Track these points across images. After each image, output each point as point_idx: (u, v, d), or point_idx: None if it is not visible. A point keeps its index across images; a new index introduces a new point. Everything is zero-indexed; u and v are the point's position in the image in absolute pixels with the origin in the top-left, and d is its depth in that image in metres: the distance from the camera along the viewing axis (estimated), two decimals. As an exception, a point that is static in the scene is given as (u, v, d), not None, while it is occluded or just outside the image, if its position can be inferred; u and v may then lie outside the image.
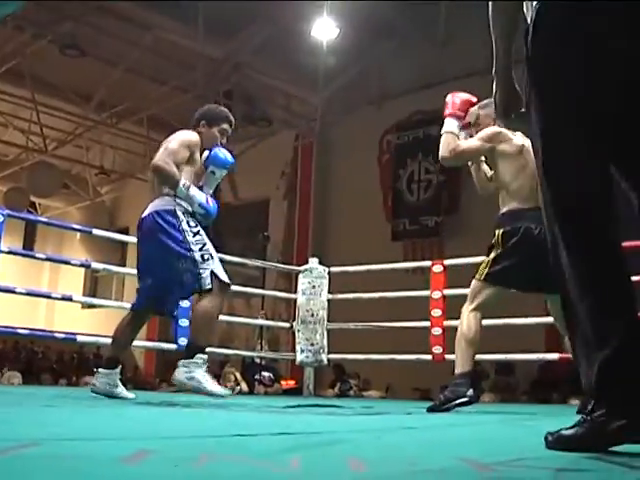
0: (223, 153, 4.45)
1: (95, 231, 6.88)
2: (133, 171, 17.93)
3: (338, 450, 1.70)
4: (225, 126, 4.55)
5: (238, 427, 2.40)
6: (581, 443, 1.70)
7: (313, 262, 7.62)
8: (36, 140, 16.60)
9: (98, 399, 4.07)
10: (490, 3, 2.02)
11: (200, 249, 4.09)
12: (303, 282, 7.45)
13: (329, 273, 7.53)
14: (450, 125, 4.16)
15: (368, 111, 14.65)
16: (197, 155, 4.37)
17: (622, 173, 1.89)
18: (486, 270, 4.01)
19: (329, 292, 7.50)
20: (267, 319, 10.29)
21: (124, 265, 17.13)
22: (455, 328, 6.81)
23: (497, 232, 4.02)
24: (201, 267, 4.05)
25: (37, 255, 8.34)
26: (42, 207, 20.68)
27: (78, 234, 16.86)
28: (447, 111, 4.25)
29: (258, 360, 10.06)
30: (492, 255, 4.00)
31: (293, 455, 1.53)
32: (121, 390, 4.37)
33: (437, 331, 6.93)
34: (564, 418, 2.73)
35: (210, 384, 3.93)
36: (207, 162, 4.43)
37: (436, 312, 6.86)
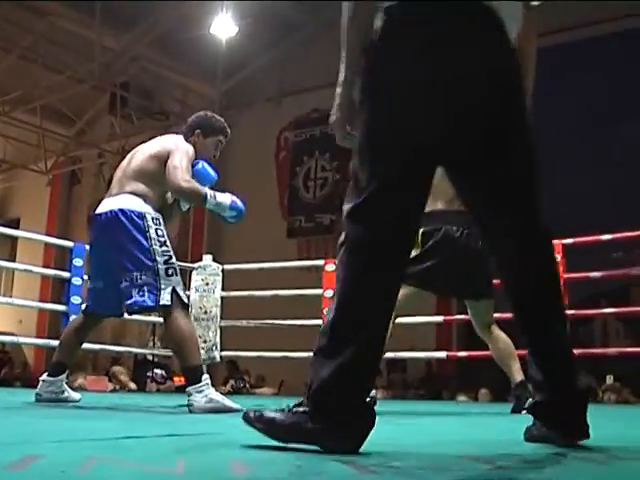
0: (207, 167, 4.08)
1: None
2: (25, 161, 17.50)
3: (223, 453, 1.75)
4: (221, 138, 4.23)
5: (127, 429, 2.42)
6: (276, 429, 1.81)
7: (207, 259, 7.62)
8: None
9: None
10: (346, 13, 1.92)
11: (165, 262, 3.72)
12: (196, 279, 7.44)
13: (223, 270, 7.54)
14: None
15: (266, 107, 14.69)
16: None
17: (463, 192, 2.00)
18: None
19: (223, 289, 7.51)
20: (159, 316, 10.22)
21: (14, 259, 16.78)
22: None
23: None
24: (163, 282, 3.69)
25: None
26: None
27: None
28: None
29: (150, 357, 10.00)
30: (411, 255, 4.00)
31: (179, 458, 1.58)
32: (68, 394, 4.12)
33: (329, 329, 7.04)
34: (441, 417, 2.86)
35: (227, 400, 3.67)
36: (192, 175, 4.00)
37: (328, 311, 6.96)
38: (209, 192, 3.81)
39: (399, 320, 6.79)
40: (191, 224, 15.39)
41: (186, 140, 4.06)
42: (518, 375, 4.07)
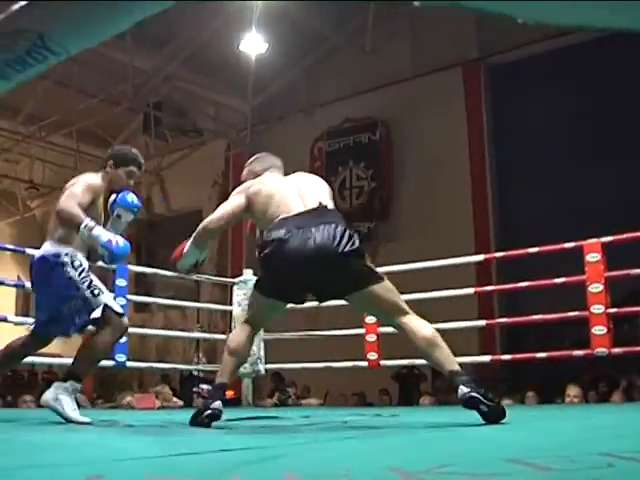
0: (131, 196, 4.39)
1: (28, 250, 6.82)
2: (63, 184, 17.62)
3: (275, 465, 1.78)
4: (133, 168, 4.47)
5: (180, 446, 2.46)
6: None
7: (247, 273, 7.69)
8: (-37, 156, 16.38)
9: (40, 421, 4.07)
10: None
11: (88, 286, 4.09)
12: (238, 294, 7.51)
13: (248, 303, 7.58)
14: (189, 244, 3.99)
15: (298, 119, 14.77)
16: (98, 201, 4.34)
17: None
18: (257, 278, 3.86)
19: (265, 303, 7.55)
20: (203, 331, 10.30)
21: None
22: (389, 334, 7.00)
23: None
24: (94, 303, 4.06)
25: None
26: (-30, 222, 20.35)
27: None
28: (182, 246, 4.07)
29: (196, 373, 10.07)
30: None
31: (233, 474, 1.61)
32: None
33: (372, 338, 7.06)
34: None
35: (70, 411, 3.92)
36: (113, 205, 4.37)
37: (370, 319, 6.98)
38: (88, 223, 3.99)
39: (441, 326, 6.83)
40: (230, 240, 15.49)
41: (102, 171, 4.41)
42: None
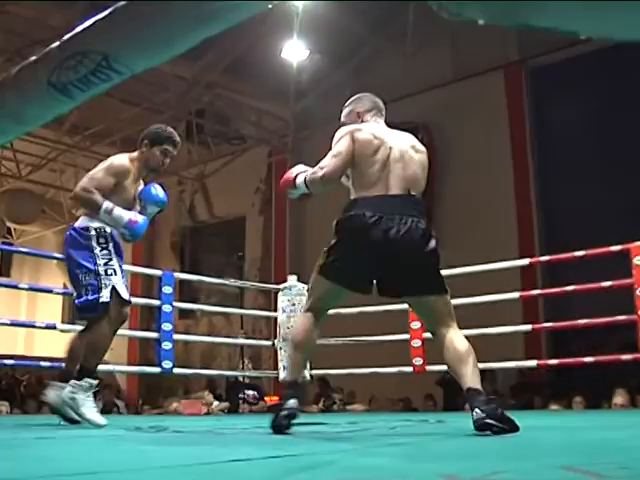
0: (155, 190, 4.53)
1: (76, 259, 6.91)
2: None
3: (325, 472, 1.79)
4: (167, 146, 4.58)
5: (231, 452, 2.48)
6: None
7: (292, 280, 7.71)
8: (9, 165, 16.61)
9: (86, 427, 4.12)
10: None
11: (105, 263, 4.25)
12: (283, 300, 7.53)
13: (308, 290, 7.60)
14: (301, 176, 3.73)
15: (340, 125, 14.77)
16: (126, 182, 4.45)
17: None
18: (321, 261, 3.65)
19: (309, 309, 7.58)
20: (247, 337, 10.34)
21: (103, 289, 17.14)
22: (433, 340, 6.97)
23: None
24: (103, 281, 4.21)
25: (19, 285, 8.35)
26: (18, 232, 20.61)
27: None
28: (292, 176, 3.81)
29: (241, 378, 10.12)
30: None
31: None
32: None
33: (417, 343, 7.05)
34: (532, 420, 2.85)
35: (88, 411, 4.01)
36: (140, 196, 4.53)
37: (415, 324, 6.97)
38: (107, 205, 4.27)
39: (486, 331, 6.80)
40: (273, 246, 15.55)
41: (138, 151, 4.57)
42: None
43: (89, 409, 4.05)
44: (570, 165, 12.11)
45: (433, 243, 3.43)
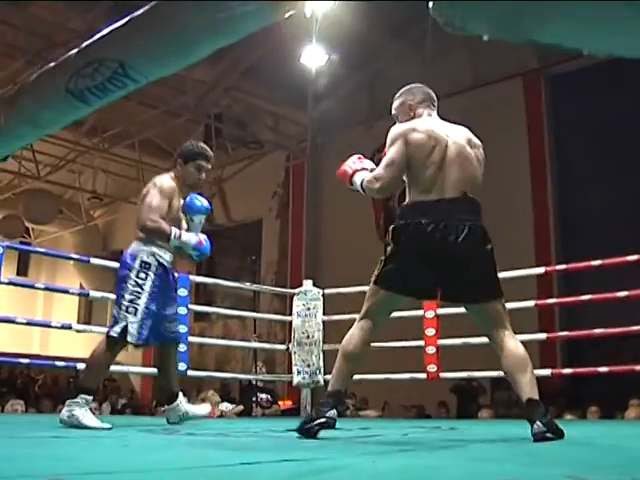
0: (196, 200, 4.56)
1: (93, 260, 6.96)
2: (126, 195, 18.03)
3: (336, 477, 1.80)
4: (201, 162, 4.67)
5: (242, 456, 2.50)
6: None
7: (307, 284, 7.72)
8: (29, 166, 16.71)
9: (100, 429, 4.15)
10: None
11: (130, 300, 4.28)
12: (298, 304, 7.55)
13: (323, 295, 7.62)
14: (359, 177, 3.71)
15: (358, 130, 14.78)
16: (174, 202, 4.51)
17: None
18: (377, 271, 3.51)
19: (324, 313, 7.59)
20: (261, 341, 10.35)
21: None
22: (448, 347, 6.97)
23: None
24: (121, 316, 4.26)
25: (36, 285, 8.40)
26: (36, 232, 20.74)
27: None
28: (350, 171, 3.80)
29: (255, 382, 10.13)
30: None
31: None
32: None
33: (431, 350, 7.02)
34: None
35: (88, 420, 4.08)
36: (185, 208, 4.57)
37: (430, 331, 6.96)
38: (175, 232, 4.37)
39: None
40: (289, 250, 15.57)
41: (174, 170, 4.65)
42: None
43: (89, 419, 4.11)
44: (588, 173, 12.07)
45: (491, 246, 3.41)
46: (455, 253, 3.27)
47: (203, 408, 4.56)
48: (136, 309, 4.27)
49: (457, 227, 3.27)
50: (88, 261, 6.95)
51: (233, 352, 15.96)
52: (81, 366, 7.60)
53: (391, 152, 3.49)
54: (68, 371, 15.39)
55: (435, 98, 3.79)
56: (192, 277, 7.73)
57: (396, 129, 3.54)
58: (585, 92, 12.17)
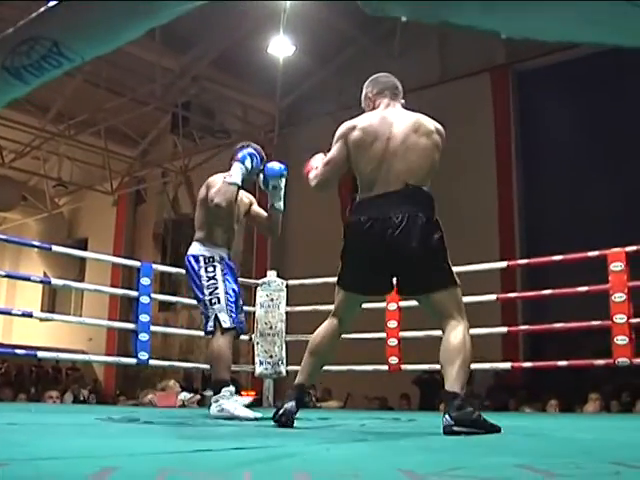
0: (274, 165, 4.80)
1: (55, 247, 6.90)
2: (91, 182, 17.92)
3: (287, 464, 1.81)
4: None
5: (196, 442, 2.50)
6: None
7: (271, 275, 7.72)
8: (-8, 152, 16.52)
9: (57, 415, 4.12)
10: None
11: (211, 293, 4.52)
12: (261, 295, 7.54)
13: (287, 286, 7.62)
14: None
15: (326, 122, 14.75)
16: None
17: None
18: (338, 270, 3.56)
19: (287, 304, 7.60)
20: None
21: (82, 279, 17.13)
22: (410, 339, 7.00)
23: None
24: (209, 310, 4.49)
25: (-1, 273, 8.31)
26: (-1, 219, 20.57)
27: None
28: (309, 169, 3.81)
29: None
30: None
31: (245, 470, 1.64)
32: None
33: (393, 342, 7.06)
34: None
35: (240, 411, 4.26)
36: (264, 181, 4.80)
37: (392, 323, 7.00)
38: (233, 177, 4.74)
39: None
40: (255, 241, 15.54)
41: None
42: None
43: (241, 410, 4.29)
44: (553, 169, 12.18)
45: (437, 235, 3.29)
46: (396, 247, 3.23)
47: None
48: (218, 298, 4.50)
49: (393, 220, 3.23)
50: (50, 248, 6.89)
51: (197, 342, 15.92)
52: (42, 354, 7.59)
53: (332, 151, 3.59)
54: (30, 360, 15.28)
55: (398, 86, 3.75)
56: (156, 266, 7.70)
57: (340, 128, 3.62)
58: (552, 88, 12.27)
